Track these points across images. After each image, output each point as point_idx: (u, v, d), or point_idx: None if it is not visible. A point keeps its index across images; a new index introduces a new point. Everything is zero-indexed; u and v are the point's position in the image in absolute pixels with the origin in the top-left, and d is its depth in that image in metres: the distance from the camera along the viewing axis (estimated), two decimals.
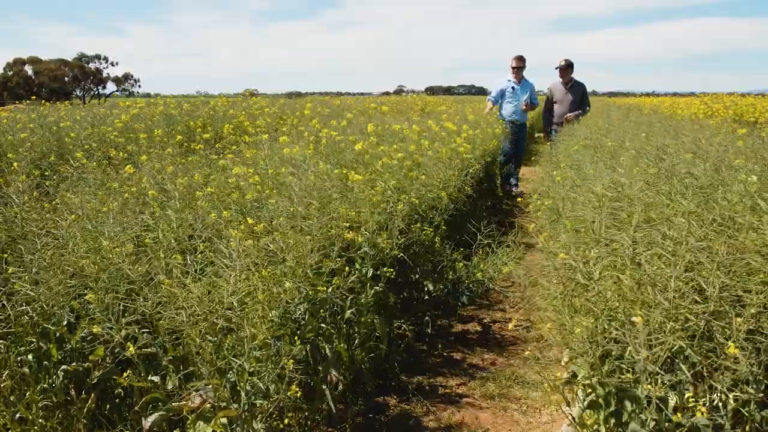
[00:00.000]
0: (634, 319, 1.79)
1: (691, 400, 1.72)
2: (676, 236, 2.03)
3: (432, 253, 3.72)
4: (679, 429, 1.76)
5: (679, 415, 1.73)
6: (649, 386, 1.77)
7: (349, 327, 2.87)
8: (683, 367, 1.79)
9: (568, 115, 8.01)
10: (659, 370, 1.78)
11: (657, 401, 1.77)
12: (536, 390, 3.16)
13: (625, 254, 2.07)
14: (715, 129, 5.22)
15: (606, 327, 1.91)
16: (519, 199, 6.00)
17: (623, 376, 1.86)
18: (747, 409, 1.92)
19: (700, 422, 1.76)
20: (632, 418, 1.84)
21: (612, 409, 1.90)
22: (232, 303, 2.03)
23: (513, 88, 8.25)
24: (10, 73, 51.05)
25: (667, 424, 1.79)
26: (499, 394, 3.15)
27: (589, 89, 8.51)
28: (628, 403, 1.85)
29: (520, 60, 8.30)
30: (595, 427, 1.95)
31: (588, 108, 8.33)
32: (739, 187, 2.49)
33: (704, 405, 1.75)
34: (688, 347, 1.79)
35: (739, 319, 1.77)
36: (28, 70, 52.68)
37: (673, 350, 1.80)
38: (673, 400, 1.81)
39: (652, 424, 1.79)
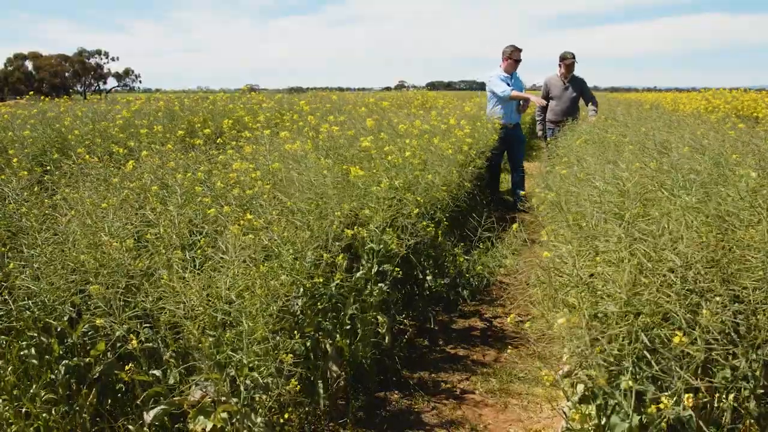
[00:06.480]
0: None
1: (663, 395, 1.71)
2: (656, 231, 2.02)
3: (434, 248, 3.72)
4: (658, 421, 1.75)
5: (654, 407, 1.72)
6: (626, 379, 1.77)
7: (352, 322, 2.87)
8: (651, 360, 1.78)
9: (590, 117, 6.89)
10: (616, 363, 1.78)
11: (631, 393, 1.77)
12: (537, 386, 3.16)
13: (610, 250, 2.06)
14: (717, 124, 5.19)
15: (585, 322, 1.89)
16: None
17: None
18: (745, 405, 1.92)
19: (684, 414, 1.75)
20: (615, 411, 1.85)
21: (599, 402, 1.91)
22: (231, 297, 2.03)
23: (508, 84, 7.13)
24: (11, 68, 51.02)
25: (645, 417, 1.79)
26: (501, 389, 3.16)
27: (590, 85, 7.70)
28: (611, 397, 1.86)
29: (521, 52, 7.11)
30: (588, 420, 1.95)
31: (596, 103, 7.49)
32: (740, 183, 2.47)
33: (680, 400, 1.73)
34: (641, 339, 1.77)
35: (706, 311, 1.74)
36: (29, 65, 52.67)
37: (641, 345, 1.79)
38: (649, 393, 1.80)
39: (636, 417, 1.79)
